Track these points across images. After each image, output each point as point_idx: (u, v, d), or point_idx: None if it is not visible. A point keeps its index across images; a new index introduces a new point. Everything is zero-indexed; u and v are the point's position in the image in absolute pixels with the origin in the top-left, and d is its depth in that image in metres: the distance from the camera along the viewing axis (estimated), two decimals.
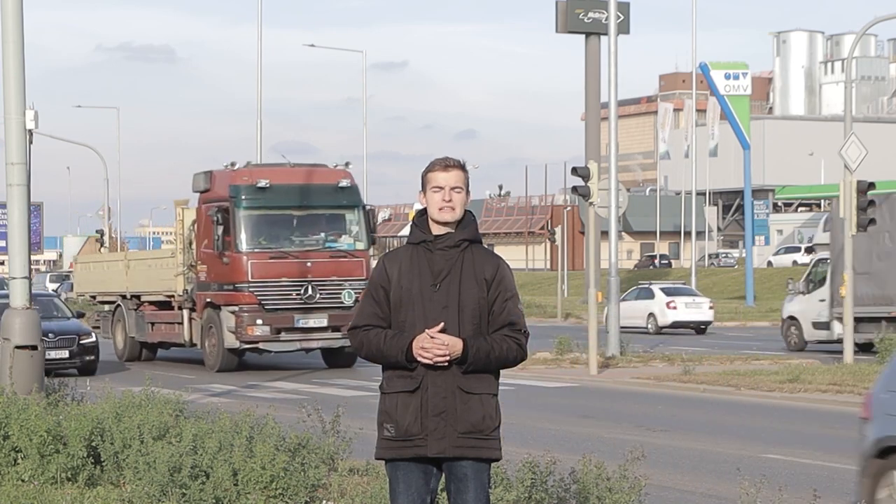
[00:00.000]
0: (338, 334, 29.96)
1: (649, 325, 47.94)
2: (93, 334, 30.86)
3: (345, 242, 30.78)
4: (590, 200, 29.84)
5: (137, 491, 11.06)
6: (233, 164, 30.93)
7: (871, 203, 29.83)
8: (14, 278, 18.01)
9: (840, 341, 34.73)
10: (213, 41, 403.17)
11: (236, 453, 10.97)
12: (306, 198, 30.58)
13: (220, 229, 29.92)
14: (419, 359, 6.42)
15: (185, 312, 31.92)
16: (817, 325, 36.71)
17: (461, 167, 6.59)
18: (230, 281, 29.98)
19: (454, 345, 6.40)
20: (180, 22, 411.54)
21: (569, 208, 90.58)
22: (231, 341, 29.90)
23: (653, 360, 31.37)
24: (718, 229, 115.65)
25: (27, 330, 17.65)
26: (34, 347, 17.60)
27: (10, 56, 17.96)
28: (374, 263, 27.89)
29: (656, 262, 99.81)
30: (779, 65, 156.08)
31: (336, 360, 31.34)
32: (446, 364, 6.42)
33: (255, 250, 29.93)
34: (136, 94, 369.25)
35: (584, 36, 71.19)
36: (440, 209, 6.53)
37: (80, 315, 32.82)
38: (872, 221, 29.86)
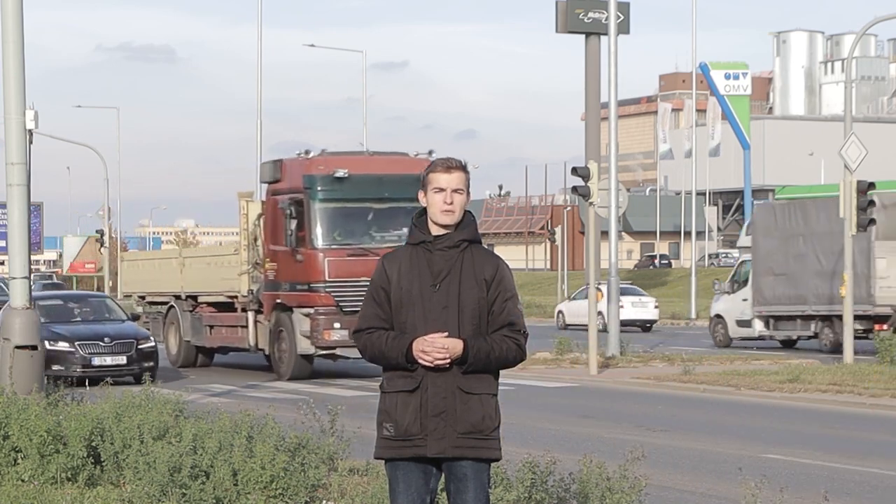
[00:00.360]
0: None
1: (598, 323, 48.98)
2: (151, 338, 28.15)
3: None
4: (590, 200, 29.82)
5: (137, 491, 11.06)
6: (307, 153, 28.11)
7: (871, 203, 29.82)
8: (14, 278, 18.03)
9: (762, 338, 38.63)
10: (213, 41, 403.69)
11: (236, 453, 10.97)
12: (387, 189, 27.73)
13: (294, 223, 27.33)
14: (420, 361, 6.42)
15: (250, 315, 29.30)
16: (740, 323, 38.87)
17: (463, 169, 6.60)
18: (304, 280, 27.41)
19: (454, 347, 6.40)
20: (180, 22, 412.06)
21: (569, 208, 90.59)
22: (305, 346, 27.37)
23: (653, 360, 31.39)
24: (718, 229, 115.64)
25: (27, 330, 17.66)
26: (34, 347, 17.62)
27: (10, 56, 17.97)
28: None
29: (656, 262, 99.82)
30: (779, 65, 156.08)
31: None
32: (447, 366, 6.43)
33: (333, 247, 27.21)
34: (136, 94, 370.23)
35: (584, 36, 71.13)
36: (442, 211, 6.54)
37: (136, 317, 30.19)
38: (872, 221, 29.88)
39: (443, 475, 6.57)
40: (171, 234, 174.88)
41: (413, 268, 6.54)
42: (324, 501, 11.04)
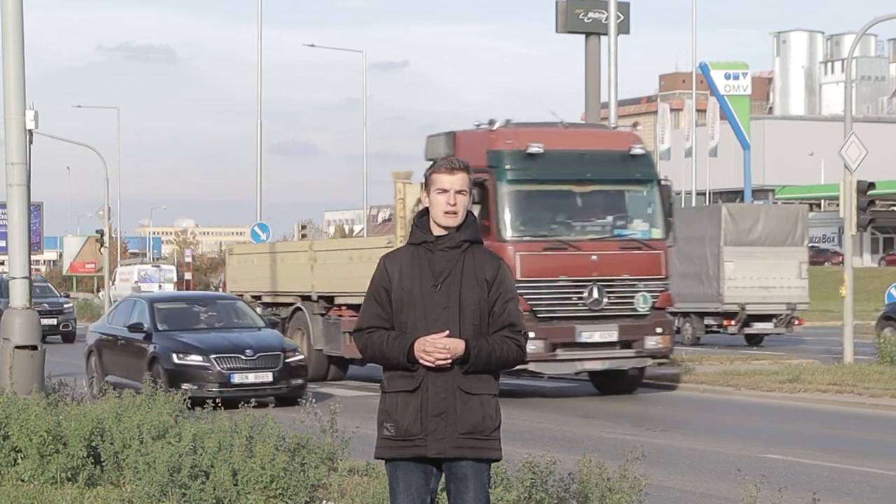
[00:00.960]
0: (630, 351, 23.35)
1: None
2: (299, 350, 23.38)
3: (638, 229, 23.91)
4: None
5: (137, 491, 11.06)
6: (491, 123, 23.66)
7: (872, 202, 29.94)
8: (14, 278, 18.04)
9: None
10: (213, 41, 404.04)
11: (236, 453, 10.97)
12: (590, 169, 23.45)
13: (474, 210, 20.79)
14: (421, 361, 6.42)
15: None
16: None
17: (466, 170, 6.62)
18: None
19: (456, 347, 6.41)
20: (180, 22, 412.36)
21: None
22: None
23: None
24: None
25: (27, 330, 17.68)
26: (34, 347, 17.63)
27: (10, 56, 17.97)
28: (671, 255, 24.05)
29: None
30: (779, 65, 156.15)
31: (616, 384, 24.45)
32: (448, 366, 6.43)
33: (525, 238, 22.78)
34: (136, 94, 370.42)
35: (584, 36, 70.87)
36: (445, 213, 6.55)
37: (274, 324, 24.92)
38: (872, 221, 29.98)
39: (443, 475, 6.58)
40: (171, 234, 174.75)
41: (414, 268, 6.56)
42: (324, 501, 11.03)
